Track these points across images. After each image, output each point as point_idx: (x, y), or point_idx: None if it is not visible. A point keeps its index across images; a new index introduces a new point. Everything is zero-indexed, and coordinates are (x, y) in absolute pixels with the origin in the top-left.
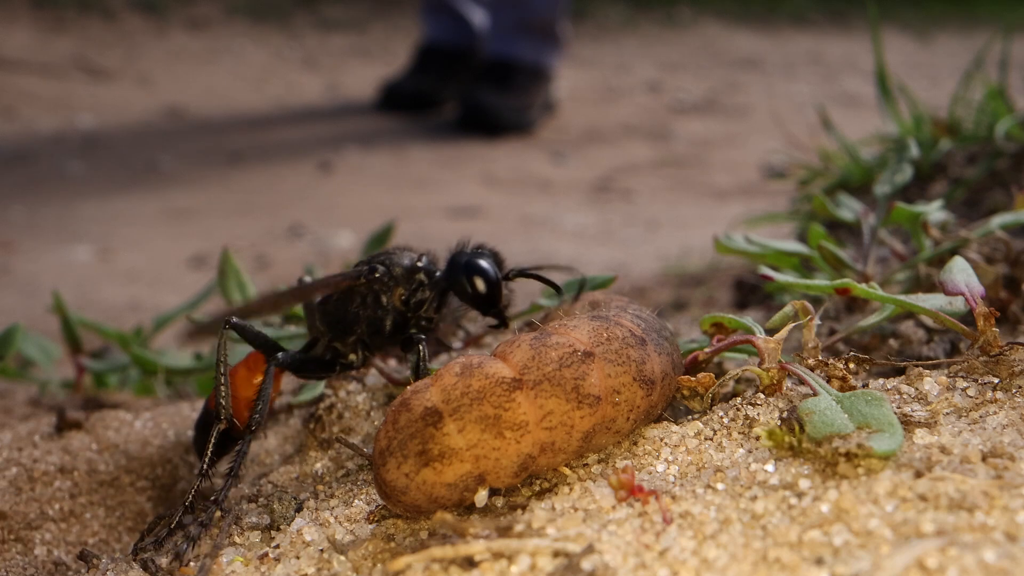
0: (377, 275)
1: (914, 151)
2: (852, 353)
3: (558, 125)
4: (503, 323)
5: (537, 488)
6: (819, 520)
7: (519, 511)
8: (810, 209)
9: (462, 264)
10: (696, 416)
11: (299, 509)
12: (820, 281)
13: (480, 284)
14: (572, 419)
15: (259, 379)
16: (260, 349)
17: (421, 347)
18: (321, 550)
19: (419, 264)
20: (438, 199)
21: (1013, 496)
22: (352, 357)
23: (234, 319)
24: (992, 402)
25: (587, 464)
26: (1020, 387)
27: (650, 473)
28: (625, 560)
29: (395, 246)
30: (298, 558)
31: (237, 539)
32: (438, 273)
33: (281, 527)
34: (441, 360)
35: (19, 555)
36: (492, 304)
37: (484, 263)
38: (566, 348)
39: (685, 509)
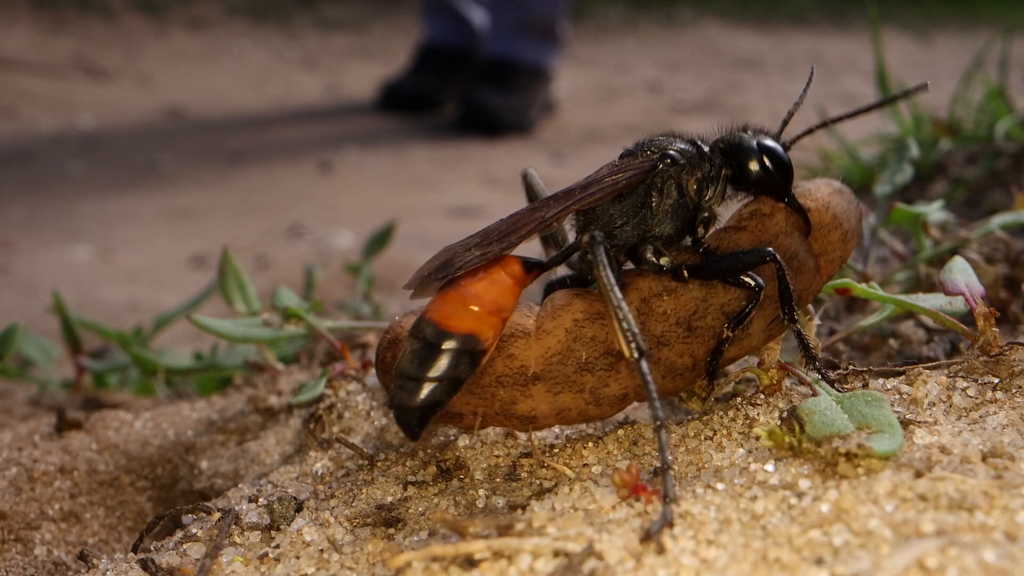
0: (673, 162)
1: (914, 151)
2: (851, 367)
3: (558, 125)
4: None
5: (537, 488)
6: (819, 520)
7: (519, 511)
8: None
9: (755, 145)
10: (696, 416)
11: (299, 509)
12: None
13: (772, 166)
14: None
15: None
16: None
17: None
18: (321, 550)
19: (703, 144)
20: (438, 199)
21: (1013, 496)
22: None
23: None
24: (992, 402)
25: (587, 464)
26: (1020, 387)
27: (651, 473)
28: (625, 560)
29: (661, 134)
30: (298, 558)
31: (237, 539)
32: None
33: (281, 527)
34: None
35: (19, 555)
36: (784, 187)
37: (773, 143)
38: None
39: (685, 509)
